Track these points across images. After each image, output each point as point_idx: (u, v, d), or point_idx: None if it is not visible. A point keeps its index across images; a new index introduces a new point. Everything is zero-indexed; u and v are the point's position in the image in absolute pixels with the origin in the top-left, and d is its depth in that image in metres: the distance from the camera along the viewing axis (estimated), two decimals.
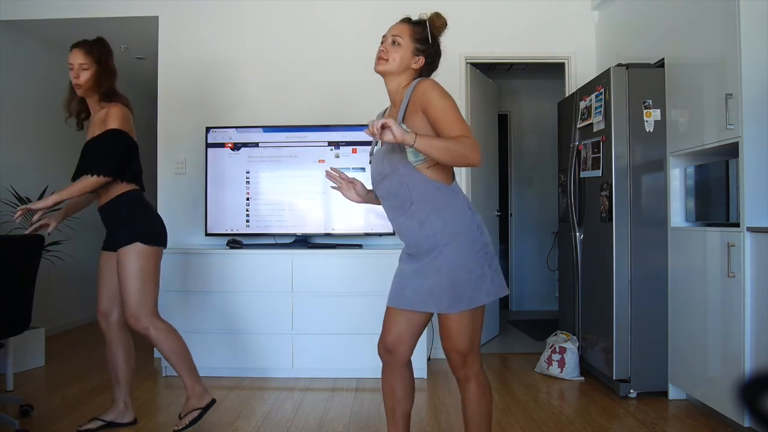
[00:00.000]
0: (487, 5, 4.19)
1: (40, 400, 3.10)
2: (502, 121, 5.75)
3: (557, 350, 3.56)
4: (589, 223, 3.48)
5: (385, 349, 1.94)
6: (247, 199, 3.88)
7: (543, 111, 5.93)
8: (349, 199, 2.01)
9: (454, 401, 3.11)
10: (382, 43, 1.89)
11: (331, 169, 1.99)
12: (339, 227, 3.87)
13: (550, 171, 5.46)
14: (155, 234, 2.61)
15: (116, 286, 2.61)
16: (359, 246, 3.80)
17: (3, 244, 2.68)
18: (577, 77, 4.18)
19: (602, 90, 3.24)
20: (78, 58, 2.53)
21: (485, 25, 4.18)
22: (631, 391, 3.14)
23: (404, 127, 1.78)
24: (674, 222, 3.07)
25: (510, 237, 6.18)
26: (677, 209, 3.07)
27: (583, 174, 3.52)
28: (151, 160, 4.54)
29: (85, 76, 2.54)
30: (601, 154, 3.26)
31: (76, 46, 2.57)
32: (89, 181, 2.49)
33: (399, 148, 1.79)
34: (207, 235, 3.91)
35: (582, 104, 3.52)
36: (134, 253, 2.52)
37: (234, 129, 3.91)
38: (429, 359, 3.73)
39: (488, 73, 5.11)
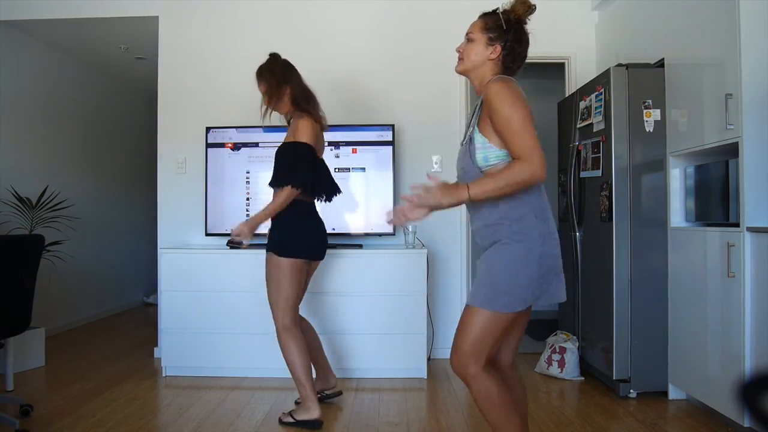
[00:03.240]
0: (487, 5, 4.18)
1: (40, 400, 3.10)
2: None
3: (557, 350, 3.56)
4: (589, 223, 3.48)
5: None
6: (247, 199, 3.89)
7: (543, 111, 5.90)
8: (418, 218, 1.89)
9: (453, 401, 3.11)
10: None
11: (389, 215, 1.88)
12: (339, 227, 3.86)
13: (550, 171, 5.42)
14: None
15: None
16: (359, 246, 3.80)
17: (3, 244, 2.68)
18: (577, 77, 4.18)
19: (602, 90, 3.24)
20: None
21: None
22: (631, 391, 3.14)
23: (481, 140, 1.74)
24: (674, 222, 3.07)
25: None
26: (677, 209, 3.07)
27: (583, 174, 3.52)
28: (151, 160, 4.54)
29: None
30: (601, 154, 3.27)
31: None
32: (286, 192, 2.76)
33: (469, 149, 1.78)
34: (207, 235, 3.91)
35: (582, 104, 3.52)
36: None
37: (234, 129, 3.91)
38: (429, 359, 3.73)
39: None
